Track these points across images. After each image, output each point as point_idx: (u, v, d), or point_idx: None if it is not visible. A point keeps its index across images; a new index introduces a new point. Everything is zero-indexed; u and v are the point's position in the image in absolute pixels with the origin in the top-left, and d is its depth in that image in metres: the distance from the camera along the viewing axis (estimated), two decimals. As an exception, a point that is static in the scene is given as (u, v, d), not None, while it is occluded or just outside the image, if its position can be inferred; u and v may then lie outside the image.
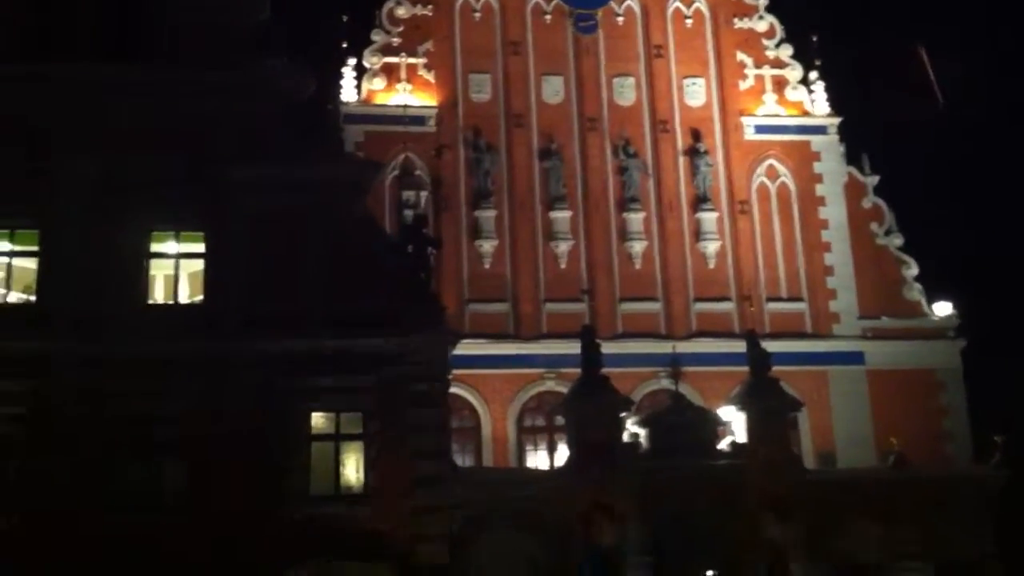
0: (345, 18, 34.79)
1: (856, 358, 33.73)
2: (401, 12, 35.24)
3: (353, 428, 23.38)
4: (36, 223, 23.30)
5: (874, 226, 35.36)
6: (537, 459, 32.11)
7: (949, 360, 33.97)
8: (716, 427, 25.66)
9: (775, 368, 26.46)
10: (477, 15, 35.98)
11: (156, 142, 23.40)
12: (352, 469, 23.41)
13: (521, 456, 32.14)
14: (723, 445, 25.38)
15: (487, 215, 33.92)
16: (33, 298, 23.33)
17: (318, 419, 23.40)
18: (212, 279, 23.60)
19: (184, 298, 23.98)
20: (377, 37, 34.94)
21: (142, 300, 23.48)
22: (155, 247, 23.79)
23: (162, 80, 24.00)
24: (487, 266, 33.68)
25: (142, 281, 23.52)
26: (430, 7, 35.44)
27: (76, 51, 24.12)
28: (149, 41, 24.45)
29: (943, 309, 34.39)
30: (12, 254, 23.64)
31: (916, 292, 34.74)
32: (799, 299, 34.73)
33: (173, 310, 23.65)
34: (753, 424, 25.38)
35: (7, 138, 23.21)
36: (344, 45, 34.31)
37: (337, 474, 23.24)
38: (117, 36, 24.47)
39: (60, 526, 21.23)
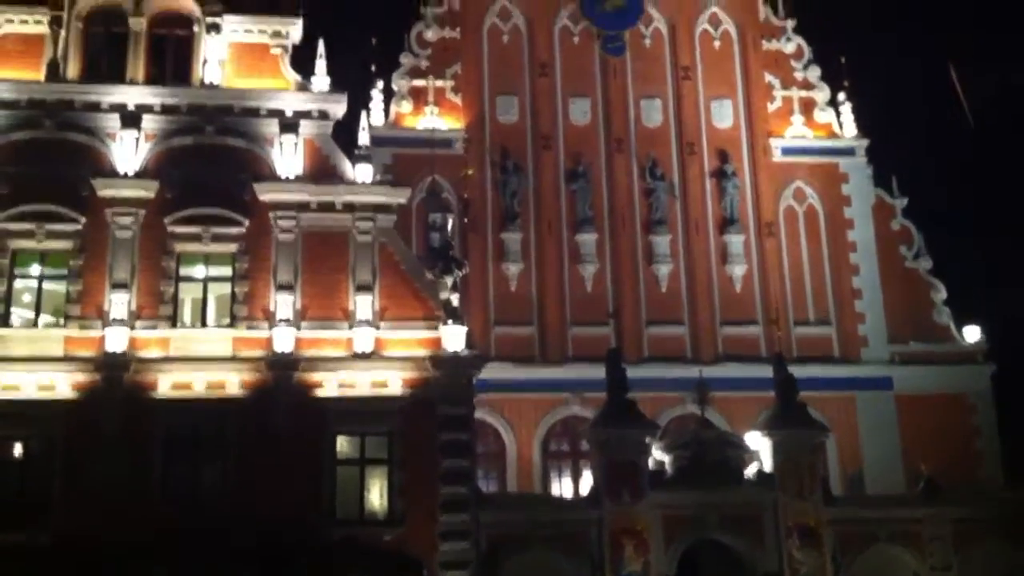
0: (374, 41, 34.95)
1: (885, 383, 33.38)
2: (429, 35, 35.38)
3: (379, 452, 23.41)
4: (80, 245, 23.57)
5: (903, 249, 35.06)
6: (562, 484, 31.95)
7: (979, 385, 33.57)
8: (743, 453, 25.51)
9: (802, 393, 26.35)
10: (505, 37, 36.09)
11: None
12: (377, 493, 23.45)
13: (546, 481, 31.94)
14: (750, 471, 25.24)
15: (514, 237, 33.91)
16: (62, 320, 23.51)
17: (343, 443, 23.47)
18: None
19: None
20: (405, 60, 35.06)
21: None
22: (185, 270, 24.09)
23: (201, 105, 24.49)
24: (513, 289, 33.65)
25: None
26: (458, 30, 35.55)
27: (124, 78, 24.79)
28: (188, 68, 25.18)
29: (972, 333, 34.04)
30: (44, 277, 23.83)
31: (945, 316, 34.40)
32: (827, 323, 34.47)
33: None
34: (780, 450, 25.21)
35: (57, 159, 23.72)
36: (373, 68, 34.47)
37: (362, 498, 23.29)
38: (160, 64, 25.25)
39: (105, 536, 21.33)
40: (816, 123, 36.13)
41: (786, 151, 35.68)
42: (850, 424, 32.66)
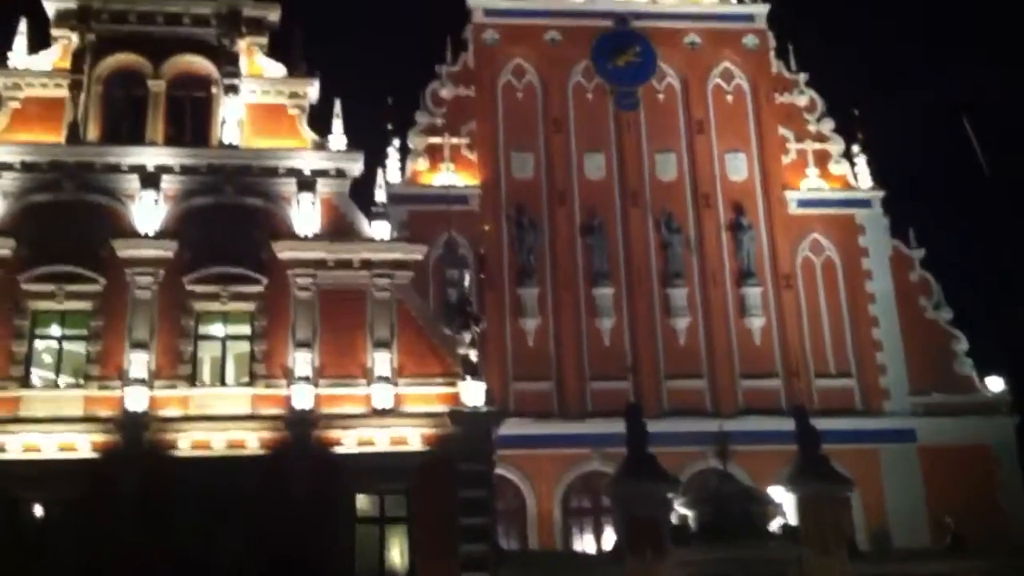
0: (390, 100, 35.31)
1: (908, 435, 33.10)
2: (444, 93, 35.73)
3: (398, 510, 23.24)
4: (100, 305, 23.69)
5: (922, 300, 34.97)
6: (584, 541, 31.65)
7: (1003, 435, 33.28)
8: (766, 508, 25.18)
9: (825, 446, 26.03)
10: (519, 94, 36.44)
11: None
12: (397, 552, 23.24)
13: (567, 538, 31.65)
14: (774, 526, 24.89)
15: (530, 292, 33.94)
16: (82, 380, 23.54)
17: (362, 501, 23.31)
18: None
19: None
20: (421, 118, 35.39)
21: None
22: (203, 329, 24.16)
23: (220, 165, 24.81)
24: (531, 344, 33.60)
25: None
26: (473, 88, 35.91)
27: (143, 139, 25.13)
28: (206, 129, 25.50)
29: (995, 384, 33.77)
30: (64, 337, 23.93)
31: (967, 366, 34.20)
32: (848, 375, 34.28)
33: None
34: (804, 505, 24.89)
35: (77, 220, 23.98)
36: (389, 127, 34.75)
37: (382, 556, 23.08)
38: (179, 125, 25.59)
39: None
40: (831, 175, 36.22)
41: (802, 203, 35.74)
42: (874, 477, 32.30)
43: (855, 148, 36.49)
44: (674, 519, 24.78)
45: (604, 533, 30.37)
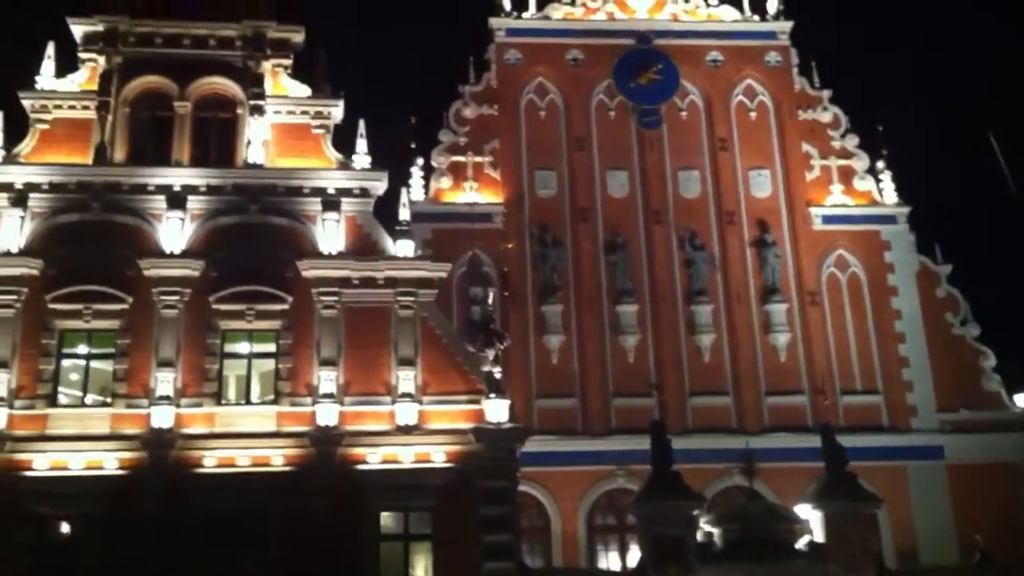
0: (413, 120, 35.52)
1: (936, 452, 32.85)
2: (467, 112, 35.94)
3: (422, 527, 23.23)
4: (127, 324, 23.89)
5: (949, 316, 34.77)
6: (608, 559, 31.52)
7: (1032, 452, 32.99)
8: (793, 526, 24.98)
9: (852, 463, 25.82)
10: (542, 113, 36.58)
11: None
12: (421, 569, 23.24)
13: (592, 556, 31.56)
14: (800, 544, 24.69)
15: (554, 310, 33.96)
16: (109, 399, 23.73)
17: (386, 518, 23.33)
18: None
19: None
20: (444, 137, 35.60)
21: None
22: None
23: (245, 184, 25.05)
24: (555, 361, 33.61)
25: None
26: (496, 107, 36.09)
27: (169, 160, 25.38)
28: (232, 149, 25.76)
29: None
30: (91, 356, 24.14)
31: (995, 383, 33.92)
32: (874, 392, 34.08)
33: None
34: (831, 522, 24.69)
35: (104, 240, 24.25)
36: (412, 146, 34.97)
37: (406, 574, 23.10)
38: (204, 146, 25.83)
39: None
40: (856, 191, 36.12)
41: (827, 219, 35.64)
42: (901, 494, 32.06)
43: (880, 164, 36.39)
44: (699, 537, 24.62)
45: (629, 551, 30.26)
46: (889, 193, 36.04)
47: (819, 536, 24.70)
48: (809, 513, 25.17)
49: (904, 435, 33.22)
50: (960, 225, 41.28)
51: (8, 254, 24.05)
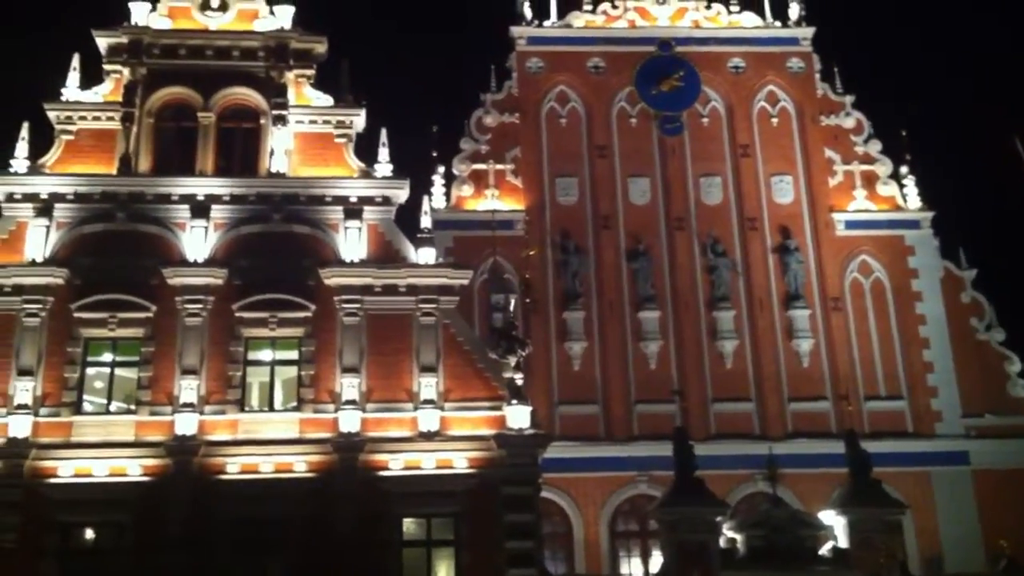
0: (435, 128, 35.65)
1: (961, 458, 32.64)
2: (489, 121, 36.07)
3: (444, 534, 23.29)
4: (151, 332, 24.11)
5: (974, 321, 34.56)
6: (631, 565, 31.49)
7: (1059, 459, 32.67)
8: (816, 532, 24.91)
9: (876, 469, 25.79)
10: (563, 120, 36.67)
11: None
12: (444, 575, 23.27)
13: (614, 562, 31.53)
14: (824, 551, 24.61)
15: (576, 316, 34.00)
16: (133, 406, 23.94)
17: (409, 524, 23.40)
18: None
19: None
20: (466, 145, 35.75)
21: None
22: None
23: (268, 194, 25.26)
24: (577, 368, 33.64)
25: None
26: (517, 115, 36.20)
27: (193, 170, 25.61)
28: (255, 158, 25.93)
29: (1050, 406, 33.21)
30: (115, 364, 24.36)
31: (1020, 388, 33.71)
32: (899, 397, 33.90)
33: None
34: (855, 529, 24.61)
35: (128, 250, 24.49)
36: (434, 154, 35.09)
37: (429, 581, 23.14)
38: (228, 155, 26.05)
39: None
40: (879, 196, 35.98)
41: (850, 225, 35.54)
42: (927, 501, 31.88)
43: (903, 169, 36.23)
44: (722, 543, 24.58)
45: (651, 557, 30.20)
46: (913, 198, 35.88)
47: (843, 542, 24.64)
48: (833, 519, 25.12)
49: (929, 441, 33.01)
50: (985, 229, 40.98)
51: (34, 264, 24.30)
